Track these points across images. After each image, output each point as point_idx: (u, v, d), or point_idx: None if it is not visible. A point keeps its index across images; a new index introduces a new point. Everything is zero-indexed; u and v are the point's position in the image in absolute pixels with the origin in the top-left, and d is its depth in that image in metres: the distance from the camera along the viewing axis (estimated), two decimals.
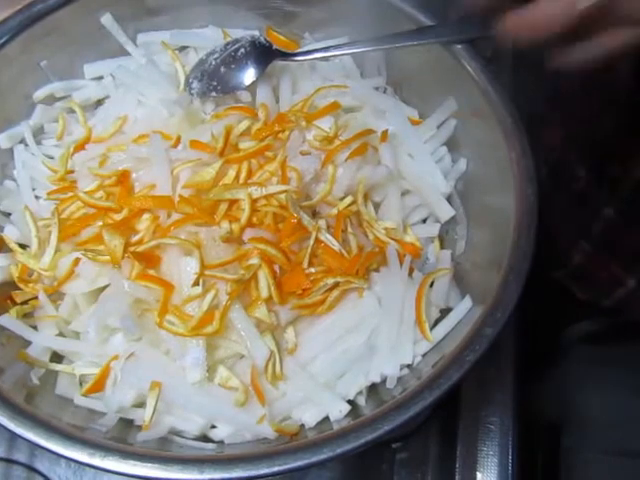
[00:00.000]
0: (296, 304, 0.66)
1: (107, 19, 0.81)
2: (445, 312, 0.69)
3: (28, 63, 0.78)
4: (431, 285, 0.71)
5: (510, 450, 0.75)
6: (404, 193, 0.78)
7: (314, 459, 0.53)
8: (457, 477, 0.74)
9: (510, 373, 0.80)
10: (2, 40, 0.74)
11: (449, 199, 0.78)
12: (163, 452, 0.55)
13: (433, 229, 0.78)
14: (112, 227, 0.67)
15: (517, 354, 0.81)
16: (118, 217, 0.70)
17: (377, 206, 0.77)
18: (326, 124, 0.77)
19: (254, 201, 0.69)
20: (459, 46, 0.73)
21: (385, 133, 0.76)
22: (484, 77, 0.73)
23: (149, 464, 0.53)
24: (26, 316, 0.71)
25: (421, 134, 0.80)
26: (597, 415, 0.84)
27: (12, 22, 0.74)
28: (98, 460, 0.53)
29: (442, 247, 0.78)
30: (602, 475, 0.82)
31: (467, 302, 0.67)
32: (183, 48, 0.86)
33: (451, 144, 0.80)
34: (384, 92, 0.84)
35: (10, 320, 0.67)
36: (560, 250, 0.86)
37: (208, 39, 0.85)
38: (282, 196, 0.69)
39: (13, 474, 0.78)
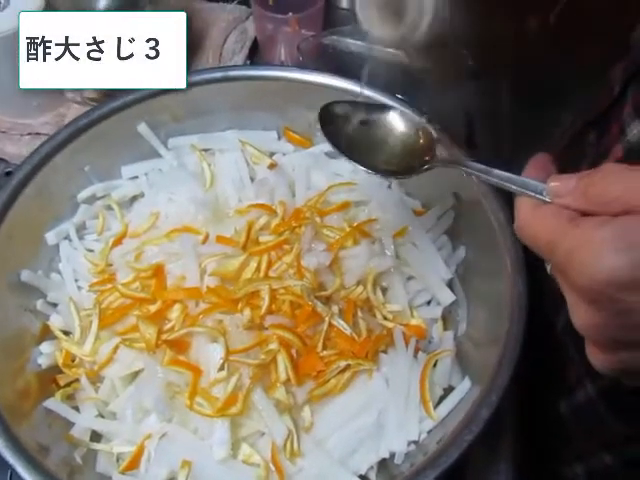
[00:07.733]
0: (313, 391, 0.73)
1: (143, 128, 0.92)
2: (448, 390, 0.76)
3: (74, 169, 0.88)
4: (435, 365, 0.78)
5: None
6: (409, 278, 0.86)
7: None
8: None
9: (512, 442, 0.84)
10: (53, 151, 0.84)
11: (450, 284, 0.85)
12: None
13: (436, 311, 0.84)
14: (147, 318, 0.76)
15: (517, 423, 0.85)
16: (153, 308, 0.78)
17: (384, 290, 0.85)
18: (337, 217, 0.86)
19: (273, 291, 0.77)
20: None
21: (404, 230, 0.86)
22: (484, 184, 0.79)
23: None
24: (69, 398, 0.78)
25: (423, 224, 0.88)
26: None
27: (61, 136, 0.85)
28: None
29: (446, 327, 0.84)
30: None
31: (466, 383, 0.74)
32: (207, 149, 0.96)
33: (451, 233, 0.88)
34: (389, 187, 0.93)
35: (56, 404, 0.75)
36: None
37: (229, 142, 0.95)
38: (298, 287, 0.77)
39: None
